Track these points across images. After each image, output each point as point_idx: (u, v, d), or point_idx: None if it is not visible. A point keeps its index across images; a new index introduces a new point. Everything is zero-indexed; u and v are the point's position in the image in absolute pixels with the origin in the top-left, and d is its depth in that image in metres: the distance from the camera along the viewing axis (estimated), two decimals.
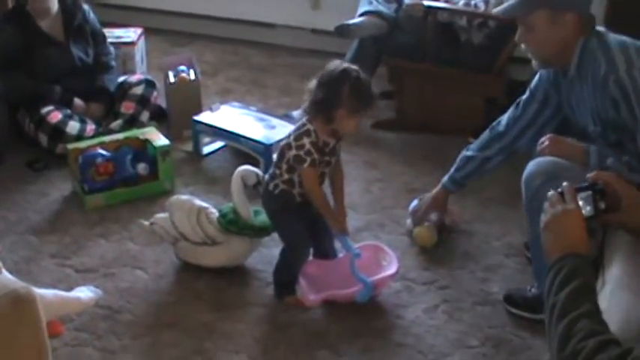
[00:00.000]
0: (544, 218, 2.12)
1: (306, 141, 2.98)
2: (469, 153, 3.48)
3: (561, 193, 2.13)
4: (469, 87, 4.49)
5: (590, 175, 2.31)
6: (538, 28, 2.85)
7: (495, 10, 3.22)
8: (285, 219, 3.17)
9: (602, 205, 2.17)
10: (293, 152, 3.01)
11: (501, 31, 4.32)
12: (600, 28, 2.88)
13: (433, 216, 3.60)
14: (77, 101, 4.29)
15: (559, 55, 2.89)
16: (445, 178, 3.55)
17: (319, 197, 3.09)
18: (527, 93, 3.25)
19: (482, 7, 4.32)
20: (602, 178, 2.25)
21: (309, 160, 2.99)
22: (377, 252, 3.29)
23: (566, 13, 2.81)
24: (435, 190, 3.59)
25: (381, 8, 4.48)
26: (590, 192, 2.17)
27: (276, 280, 3.24)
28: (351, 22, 4.42)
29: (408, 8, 4.44)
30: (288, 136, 3.07)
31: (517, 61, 4.64)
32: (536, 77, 3.19)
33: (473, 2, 4.35)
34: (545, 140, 3.02)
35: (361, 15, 4.47)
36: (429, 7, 4.32)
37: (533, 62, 3.01)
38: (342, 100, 2.91)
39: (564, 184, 2.17)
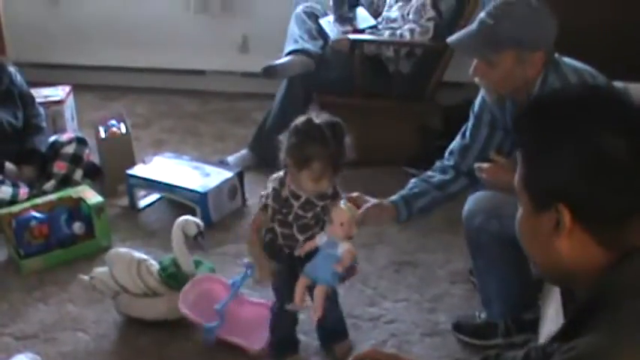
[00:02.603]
0: None
1: (270, 185, 2.88)
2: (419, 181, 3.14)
3: None
4: (402, 116, 4.51)
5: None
6: (502, 67, 2.72)
7: (453, 43, 2.97)
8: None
9: None
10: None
11: (429, 58, 4.37)
12: (556, 57, 2.77)
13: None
14: (9, 166, 4.21)
15: (519, 89, 2.76)
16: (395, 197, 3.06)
17: (249, 239, 3.01)
18: (473, 119, 3.09)
19: (407, 36, 4.34)
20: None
21: (262, 203, 2.90)
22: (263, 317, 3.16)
23: (535, 52, 2.70)
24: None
25: (307, 46, 4.48)
26: None
27: (272, 339, 3.10)
28: (277, 62, 4.43)
29: (334, 44, 4.46)
30: None
31: (448, 85, 4.69)
32: (478, 101, 3.05)
33: (398, 32, 4.37)
34: (483, 169, 2.89)
35: (287, 54, 4.48)
36: (355, 41, 4.34)
37: (487, 95, 2.90)
38: (286, 150, 2.77)
39: None
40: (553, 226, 1.42)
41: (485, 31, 2.77)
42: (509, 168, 2.74)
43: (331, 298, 2.94)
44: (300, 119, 2.77)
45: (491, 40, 2.73)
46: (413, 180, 3.12)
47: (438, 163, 3.18)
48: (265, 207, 2.89)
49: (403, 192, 3.05)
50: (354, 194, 2.90)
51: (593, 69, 2.79)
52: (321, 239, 2.76)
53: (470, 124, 3.11)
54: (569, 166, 1.39)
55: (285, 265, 2.93)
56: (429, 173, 3.14)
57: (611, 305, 1.37)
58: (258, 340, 3.10)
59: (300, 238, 2.87)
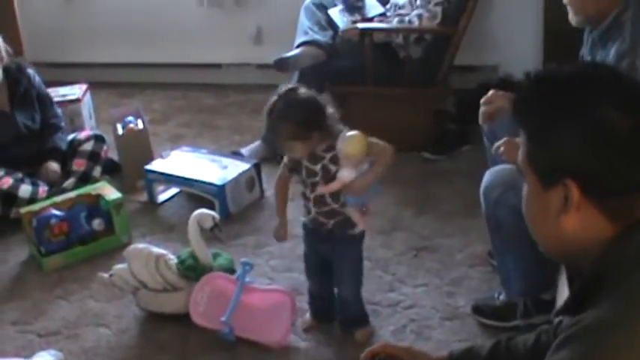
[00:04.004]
0: None
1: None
2: None
3: None
4: (415, 102, 4.49)
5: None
6: None
7: None
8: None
9: None
10: None
11: (439, 42, 4.37)
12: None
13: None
14: (52, 165, 4.26)
15: (601, 13, 2.80)
16: None
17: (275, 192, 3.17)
18: None
19: (416, 22, 4.33)
20: None
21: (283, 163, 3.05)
22: (284, 303, 3.21)
23: None
24: None
25: (317, 37, 4.49)
26: None
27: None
28: (289, 54, 4.44)
29: (343, 34, 4.48)
30: None
31: (459, 69, 4.68)
32: None
33: (407, 19, 4.37)
34: (501, 145, 2.88)
35: (298, 46, 4.49)
36: (365, 29, 4.34)
37: (572, 17, 2.91)
38: None
39: None
40: (561, 202, 1.42)
41: None
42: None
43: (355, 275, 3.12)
44: None
45: None
46: None
47: None
48: (284, 166, 3.03)
49: None
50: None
51: None
52: (341, 174, 2.84)
53: None
54: (574, 141, 1.39)
55: (308, 239, 3.11)
56: None
57: (618, 278, 1.38)
58: (276, 330, 3.13)
59: (311, 196, 2.96)
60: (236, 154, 4.40)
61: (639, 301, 1.34)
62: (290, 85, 2.91)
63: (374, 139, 2.85)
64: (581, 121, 1.39)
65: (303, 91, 2.91)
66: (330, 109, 2.90)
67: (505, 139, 2.91)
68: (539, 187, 1.47)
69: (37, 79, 4.45)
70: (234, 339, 3.12)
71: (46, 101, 4.47)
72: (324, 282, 3.16)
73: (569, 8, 2.91)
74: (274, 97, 2.86)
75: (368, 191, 2.85)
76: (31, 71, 4.43)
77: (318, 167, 2.90)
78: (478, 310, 3.20)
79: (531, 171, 1.49)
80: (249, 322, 3.14)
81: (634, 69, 2.62)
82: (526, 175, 1.51)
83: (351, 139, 2.80)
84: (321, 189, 2.89)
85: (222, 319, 3.10)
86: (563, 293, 2.43)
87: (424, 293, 3.39)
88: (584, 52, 2.99)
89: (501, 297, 3.16)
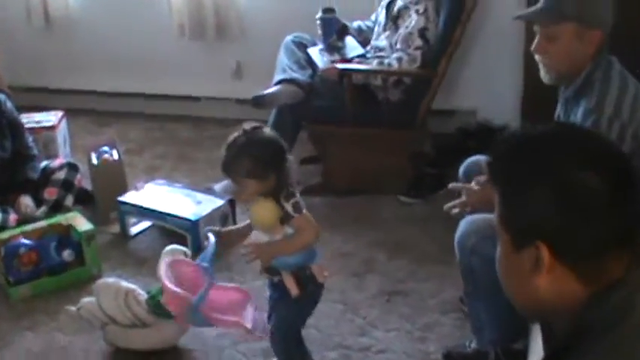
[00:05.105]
0: None
1: None
2: None
3: None
4: (392, 145, 4.49)
5: None
6: (562, 41, 2.78)
7: (520, 15, 3.15)
8: None
9: None
10: None
11: (418, 86, 4.39)
12: (611, 57, 2.84)
13: None
14: (24, 200, 4.20)
15: (572, 72, 2.83)
16: None
17: None
18: None
19: (395, 64, 4.33)
20: None
21: None
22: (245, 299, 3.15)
23: (593, 31, 2.76)
24: None
25: (296, 75, 4.48)
26: None
27: None
28: (267, 92, 4.42)
29: (322, 73, 4.47)
30: None
31: (438, 113, 4.70)
32: None
33: (386, 61, 4.37)
34: (456, 206, 2.96)
35: (277, 84, 4.47)
36: (344, 70, 4.34)
37: (544, 75, 2.92)
38: None
39: None
40: (533, 263, 1.42)
41: (548, 3, 2.84)
42: (483, 189, 2.84)
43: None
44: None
45: (554, 11, 2.80)
46: None
47: None
48: None
49: None
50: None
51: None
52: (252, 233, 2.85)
53: None
54: (545, 203, 1.39)
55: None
56: None
57: (595, 338, 1.37)
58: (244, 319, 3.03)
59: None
60: (208, 190, 4.37)
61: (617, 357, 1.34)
62: (255, 124, 2.84)
63: (304, 216, 2.79)
64: (551, 184, 1.39)
65: (267, 130, 2.86)
66: (291, 158, 2.85)
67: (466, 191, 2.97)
68: (511, 248, 1.47)
69: (9, 105, 4.37)
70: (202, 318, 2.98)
71: (18, 129, 4.38)
72: None
73: (540, 66, 2.92)
74: (237, 133, 2.79)
75: (296, 257, 2.80)
76: (1, 96, 4.35)
77: None
78: (449, 357, 3.19)
79: (504, 231, 1.49)
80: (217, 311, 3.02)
81: (598, 127, 2.64)
82: (499, 234, 1.51)
83: (258, 207, 2.78)
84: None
85: (195, 302, 2.91)
86: (535, 343, 2.42)
87: (396, 338, 3.37)
88: (560, 113, 3.00)
89: (473, 345, 3.15)
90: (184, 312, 2.97)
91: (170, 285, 2.98)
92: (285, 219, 2.76)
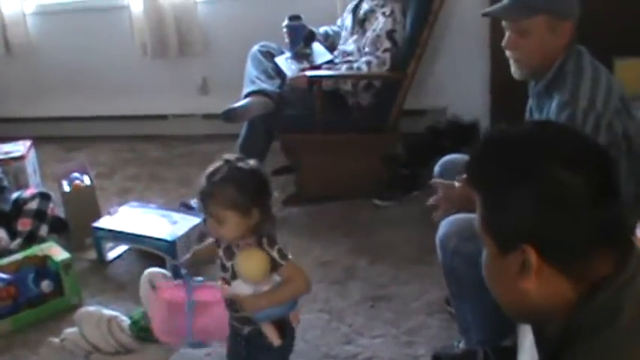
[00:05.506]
0: None
1: None
2: None
3: None
4: (365, 149, 4.48)
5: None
6: (534, 35, 2.77)
7: (487, 11, 3.05)
8: None
9: None
10: None
11: (388, 88, 4.38)
12: (581, 47, 2.82)
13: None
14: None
15: (544, 66, 2.81)
16: None
17: None
18: None
19: (365, 68, 4.34)
20: None
21: None
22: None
23: (564, 22, 2.75)
24: None
25: (265, 86, 4.45)
26: None
27: None
28: (237, 105, 4.39)
29: (291, 82, 4.45)
30: None
31: (408, 113, 4.69)
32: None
33: (355, 65, 4.37)
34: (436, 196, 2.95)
35: (246, 96, 4.44)
36: (313, 77, 4.33)
37: (515, 71, 2.90)
38: None
39: None
40: (520, 266, 1.40)
41: None
42: (463, 187, 2.81)
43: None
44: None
45: (523, 5, 2.79)
46: None
47: None
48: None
49: None
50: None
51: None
52: (235, 284, 2.62)
53: None
54: (529, 206, 1.37)
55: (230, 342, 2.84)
56: None
57: (586, 337, 1.36)
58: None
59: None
60: (184, 206, 4.34)
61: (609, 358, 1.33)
62: (238, 155, 2.66)
63: (291, 265, 2.60)
64: (532, 184, 1.38)
65: (252, 162, 2.62)
66: (275, 194, 2.67)
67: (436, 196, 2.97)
68: (496, 251, 1.46)
69: None
70: (204, 345, 2.90)
71: None
72: None
73: (511, 62, 2.90)
74: (219, 162, 2.58)
75: (282, 307, 2.63)
76: None
77: (229, 264, 2.64)
78: (438, 359, 3.17)
79: (487, 235, 1.47)
80: (210, 319, 2.92)
81: (574, 120, 2.63)
82: (483, 238, 1.48)
83: (247, 258, 2.57)
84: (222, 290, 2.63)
85: (185, 335, 2.75)
86: (525, 339, 2.41)
87: (382, 344, 3.34)
88: (532, 107, 2.99)
89: (461, 345, 3.13)
90: (179, 342, 2.94)
91: (160, 324, 2.91)
92: (272, 268, 2.56)
